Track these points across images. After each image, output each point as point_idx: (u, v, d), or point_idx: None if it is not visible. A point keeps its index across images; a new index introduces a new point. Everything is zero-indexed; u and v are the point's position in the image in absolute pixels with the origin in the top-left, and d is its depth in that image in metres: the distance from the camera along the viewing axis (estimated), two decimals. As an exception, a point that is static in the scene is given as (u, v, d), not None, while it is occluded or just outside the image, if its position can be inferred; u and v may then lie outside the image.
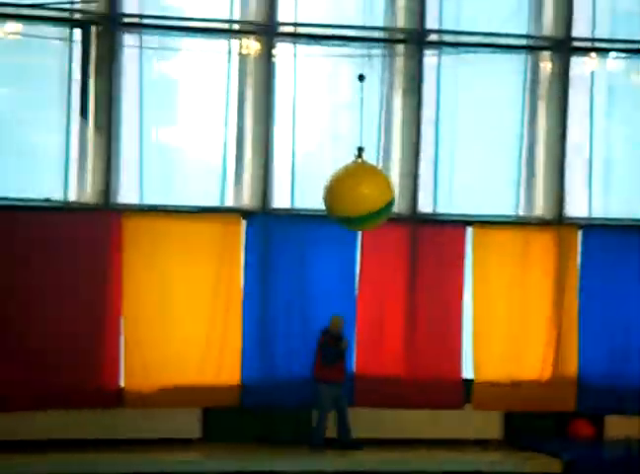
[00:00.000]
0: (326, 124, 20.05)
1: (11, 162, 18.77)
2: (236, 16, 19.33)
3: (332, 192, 16.08)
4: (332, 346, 18.77)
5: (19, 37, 18.53)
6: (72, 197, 18.68)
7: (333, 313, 18.87)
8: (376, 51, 19.65)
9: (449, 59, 20.02)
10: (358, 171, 16.35)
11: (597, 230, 20.30)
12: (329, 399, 18.78)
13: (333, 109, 20.12)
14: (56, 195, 18.61)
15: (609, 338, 20.04)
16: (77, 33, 18.38)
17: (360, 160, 16.37)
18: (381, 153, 19.51)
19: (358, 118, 17.34)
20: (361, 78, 17.40)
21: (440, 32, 19.73)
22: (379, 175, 16.95)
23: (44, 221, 18.46)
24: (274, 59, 19.21)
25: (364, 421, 18.93)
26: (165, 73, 19.92)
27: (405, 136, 19.70)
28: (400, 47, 19.64)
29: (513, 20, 20.12)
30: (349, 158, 16.40)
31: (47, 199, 18.69)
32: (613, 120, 20.78)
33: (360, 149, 16.33)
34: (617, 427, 19.79)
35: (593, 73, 20.53)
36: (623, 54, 20.82)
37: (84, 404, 18.14)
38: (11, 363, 17.96)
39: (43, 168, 18.93)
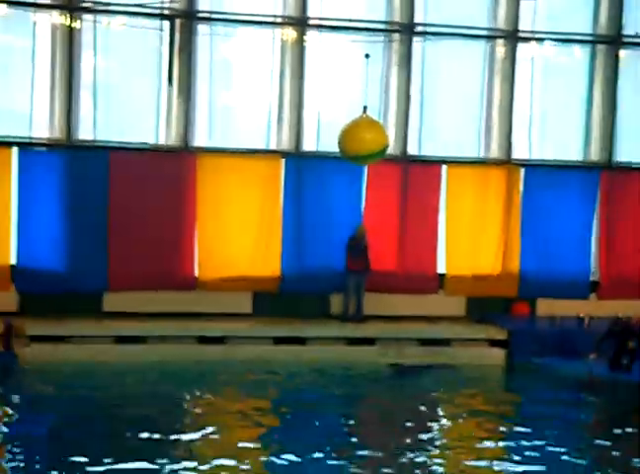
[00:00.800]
0: (342, 90, 20.14)
1: (119, 115, 19.34)
2: (278, 11, 19.82)
3: (343, 137, 17.14)
4: (357, 245, 19.79)
5: (124, 27, 18.94)
6: (161, 141, 19.62)
7: (357, 224, 19.96)
8: (379, 38, 20.21)
9: (432, 44, 20.42)
10: (362, 122, 17.35)
11: (535, 169, 20.92)
12: (354, 284, 19.81)
13: (347, 78, 19.97)
14: (150, 140, 19.58)
15: (542, 245, 20.76)
16: (165, 24, 19.29)
17: (364, 115, 17.26)
18: (382, 110, 20.17)
19: (364, 85, 18.09)
20: (367, 56, 18.30)
21: (424, 24, 20.27)
22: (378, 125, 17.88)
23: (143, 159, 19.35)
24: (305, 44, 19.82)
25: (368, 302, 19.88)
26: (226, 53, 20.17)
27: (399, 98, 20.44)
28: (396, 35, 20.28)
29: (477, 15, 20.51)
30: (357, 114, 17.24)
31: (144, 143, 19.57)
32: (548, 89, 21.06)
33: (365, 107, 17.26)
34: (545, 307, 20.58)
35: (533, 56, 20.90)
36: (554, 43, 20.75)
37: (170, 287, 19.30)
38: (125, 259, 19.06)
39: (141, 120, 19.59)
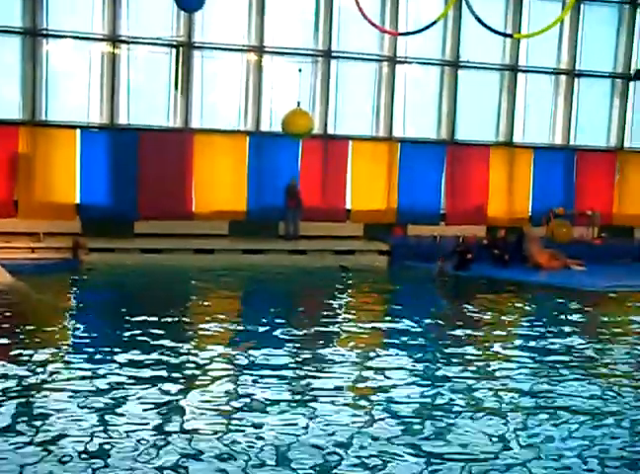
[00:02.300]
0: (285, 91, 19.48)
1: (144, 108, 19.38)
2: (245, 42, 19.74)
3: (285, 121, 17.73)
4: (290, 191, 19.70)
5: (147, 52, 19.22)
6: (171, 124, 19.64)
7: (291, 177, 19.93)
8: (308, 59, 20.19)
9: (343, 63, 20.42)
10: (297, 112, 17.78)
11: (407, 143, 20.79)
12: (291, 216, 19.77)
13: (288, 84, 19.46)
14: (163, 123, 19.59)
15: (411, 191, 20.73)
16: (173, 50, 19.22)
17: (298, 107, 17.77)
18: (310, 104, 19.83)
19: (298, 88, 18.46)
20: (300, 70, 18.64)
21: (338, 51, 20.26)
22: (307, 114, 18.15)
23: (159, 135, 19.44)
24: (262, 62, 19.82)
25: (303, 227, 19.78)
26: (211, 68, 19.79)
27: (322, 97, 20.36)
28: (319, 58, 20.26)
29: (370, 45, 20.49)
30: (294, 107, 17.75)
31: (160, 125, 19.49)
32: (414, 93, 20.99)
33: (299, 102, 17.86)
34: (413, 230, 20.78)
35: (405, 72, 20.80)
36: (417, 64, 20.99)
37: (177, 217, 19.27)
38: (149, 199, 19.06)
39: (158, 111, 19.54)
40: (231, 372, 9.68)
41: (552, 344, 11.58)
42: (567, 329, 12.66)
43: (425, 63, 21.31)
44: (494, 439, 7.65)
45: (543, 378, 9.78)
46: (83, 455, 6.95)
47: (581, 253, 19.69)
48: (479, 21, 13.02)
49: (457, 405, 8.62)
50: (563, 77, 22.35)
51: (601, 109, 22.84)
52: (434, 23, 13.62)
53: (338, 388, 9.04)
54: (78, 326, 11.99)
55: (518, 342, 11.98)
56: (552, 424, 8.12)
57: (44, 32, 18.58)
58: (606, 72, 22.63)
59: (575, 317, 13.78)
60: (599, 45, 22.30)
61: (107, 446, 7.14)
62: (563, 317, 13.62)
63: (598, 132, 22.88)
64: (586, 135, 22.68)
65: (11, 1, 18.46)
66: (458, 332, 12.15)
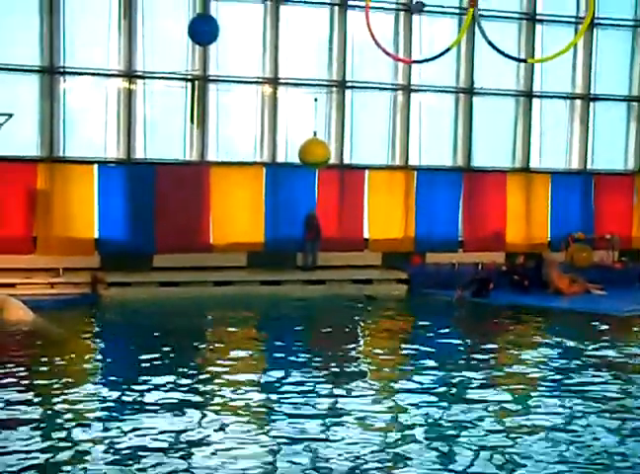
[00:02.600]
0: (300, 122, 19.54)
1: (161, 142, 19.41)
2: (259, 74, 19.84)
3: (301, 151, 17.85)
4: (309, 222, 19.66)
5: (163, 86, 19.31)
6: (187, 157, 19.67)
7: (310, 209, 19.92)
8: (323, 89, 20.17)
9: (357, 92, 20.52)
10: (314, 141, 17.97)
11: (423, 171, 20.80)
12: (310, 247, 19.61)
13: (303, 114, 19.54)
14: (180, 157, 19.60)
15: (428, 219, 20.68)
16: (189, 84, 19.20)
17: (314, 137, 17.95)
18: (325, 134, 19.84)
19: (314, 118, 18.66)
20: (316, 99, 18.97)
21: (352, 81, 20.36)
22: (324, 144, 18.36)
23: (176, 169, 19.45)
24: (277, 94, 19.88)
25: (320, 258, 19.61)
26: (227, 101, 19.80)
27: (337, 126, 20.35)
28: (334, 88, 20.30)
29: (385, 74, 20.60)
30: (310, 136, 17.99)
31: (177, 159, 19.58)
32: (429, 121, 21.08)
33: (315, 132, 18.10)
34: (431, 258, 20.65)
35: (420, 100, 20.84)
36: (432, 93, 21.24)
37: (195, 250, 19.17)
38: (166, 233, 18.97)
39: (174, 145, 19.54)
40: (249, 403, 9.59)
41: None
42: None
43: (439, 91, 21.31)
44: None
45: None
46: None
47: (601, 277, 19.50)
48: (492, 46, 13.01)
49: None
50: (578, 101, 22.28)
51: (618, 132, 22.75)
52: (447, 50, 13.61)
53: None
54: (98, 360, 12.06)
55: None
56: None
57: (62, 69, 18.70)
58: (622, 95, 22.54)
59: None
60: (613, 69, 22.30)
61: None
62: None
63: (615, 156, 22.77)
64: (603, 159, 22.57)
65: (29, 40, 18.57)
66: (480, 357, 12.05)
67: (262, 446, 8.07)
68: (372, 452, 7.94)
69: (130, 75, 19.10)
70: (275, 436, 8.34)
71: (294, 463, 7.62)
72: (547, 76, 21.78)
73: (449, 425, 8.81)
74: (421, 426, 8.80)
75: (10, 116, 16.95)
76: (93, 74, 18.98)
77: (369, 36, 14.85)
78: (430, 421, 8.98)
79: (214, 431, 8.48)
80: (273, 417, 9.16)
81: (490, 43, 13.05)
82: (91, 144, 19.19)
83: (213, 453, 7.83)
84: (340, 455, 7.84)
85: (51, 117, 18.69)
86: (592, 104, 22.29)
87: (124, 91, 19.14)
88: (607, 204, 22.20)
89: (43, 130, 18.78)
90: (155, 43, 19.15)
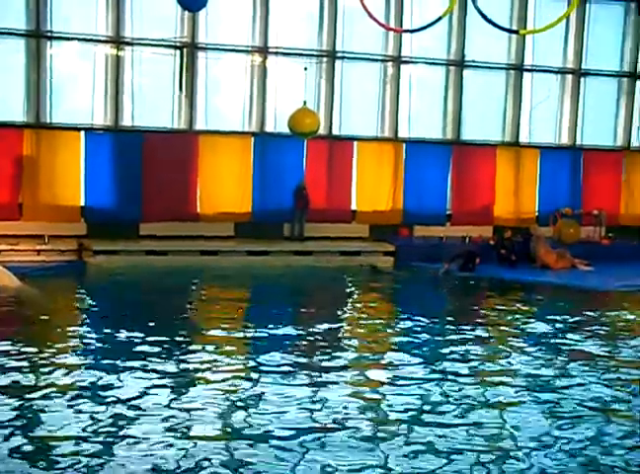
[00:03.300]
0: (289, 91, 19.45)
1: (148, 110, 19.20)
2: (249, 42, 19.69)
3: (291, 121, 17.67)
4: (298, 193, 19.61)
5: (151, 54, 19.08)
6: (175, 126, 19.55)
7: (300, 178, 19.85)
8: (313, 59, 20.04)
9: (347, 63, 20.39)
10: (303, 111, 17.80)
11: (412, 144, 20.69)
12: (297, 217, 19.68)
13: (293, 84, 19.55)
14: (168, 125, 19.47)
15: (416, 192, 20.61)
16: (177, 52, 19.10)
17: (304, 107, 17.82)
18: (315, 104, 19.69)
19: (304, 88, 19.08)
20: (305, 69, 19.15)
21: (342, 51, 20.22)
22: (313, 114, 18.17)
23: (163, 137, 19.27)
24: (266, 63, 19.71)
25: (308, 228, 19.74)
26: (215, 69, 19.75)
27: (327, 97, 20.24)
28: (324, 58, 20.17)
29: (375, 45, 20.52)
30: (299, 106, 17.84)
31: (164, 127, 19.37)
32: (419, 94, 20.93)
33: (305, 102, 18.00)
34: (419, 231, 20.81)
35: (410, 73, 20.76)
36: (423, 64, 20.96)
37: (181, 219, 19.21)
38: (153, 201, 18.94)
39: (162, 113, 19.38)
40: (235, 372, 9.54)
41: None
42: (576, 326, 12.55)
43: (430, 63, 21.19)
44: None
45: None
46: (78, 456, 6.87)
47: (588, 253, 19.51)
48: (484, 17, 12.91)
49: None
50: (569, 76, 22.21)
51: (608, 108, 22.69)
52: (439, 19, 13.47)
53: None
54: (83, 328, 11.96)
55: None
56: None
57: (48, 34, 18.50)
58: (613, 71, 22.49)
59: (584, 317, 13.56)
60: (605, 44, 22.19)
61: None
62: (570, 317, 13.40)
63: (604, 132, 22.73)
64: (592, 135, 22.52)
65: (15, 3, 18.38)
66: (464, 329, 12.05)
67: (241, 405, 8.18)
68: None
69: (118, 41, 18.94)
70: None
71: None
72: (539, 50, 21.68)
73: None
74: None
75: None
76: (80, 40, 18.82)
77: (360, 4, 14.64)
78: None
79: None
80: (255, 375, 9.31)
81: (481, 13, 12.96)
82: (78, 111, 19.05)
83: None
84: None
85: (38, 82, 18.54)
86: (582, 79, 22.22)
87: (112, 57, 19.00)
88: (596, 180, 22.22)
89: (30, 96, 18.62)
90: (144, 10, 18.98)
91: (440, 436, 7.50)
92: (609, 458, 7.18)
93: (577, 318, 13.36)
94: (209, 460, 6.83)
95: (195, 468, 6.70)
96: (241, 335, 11.71)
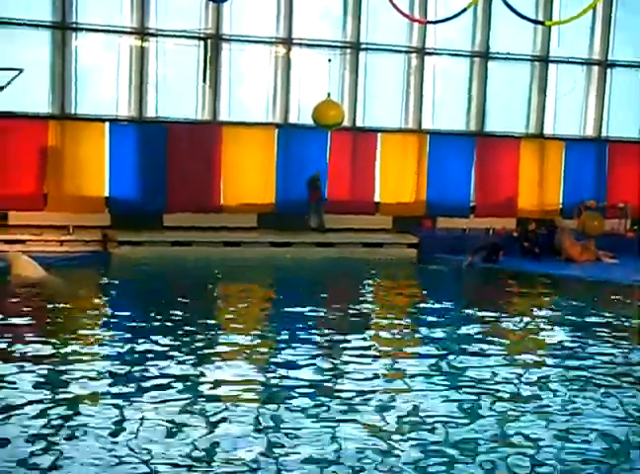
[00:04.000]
0: (313, 83, 19.33)
1: (173, 101, 19.29)
2: (272, 34, 19.76)
3: (315, 113, 17.65)
4: (312, 185, 19.57)
5: (176, 46, 19.18)
6: (199, 117, 19.64)
7: (315, 170, 19.71)
8: (337, 51, 20.00)
9: (371, 55, 20.36)
10: (327, 103, 17.80)
11: (436, 135, 20.67)
12: (314, 209, 19.70)
13: (317, 75, 19.49)
14: (192, 116, 19.58)
15: (440, 183, 20.50)
16: (201, 43, 19.21)
17: (328, 99, 17.80)
18: (339, 96, 19.70)
19: (328, 79, 18.86)
20: (330, 60, 18.98)
21: (367, 43, 20.21)
22: (338, 105, 18.20)
23: (187, 128, 19.36)
24: (290, 54, 19.77)
25: (332, 220, 19.70)
26: (240, 60, 19.79)
27: (350, 88, 20.25)
28: (348, 50, 20.15)
29: (400, 36, 20.68)
30: (324, 98, 17.81)
31: (188, 118, 19.49)
32: (444, 85, 20.93)
33: (329, 94, 17.97)
34: (442, 223, 20.85)
35: (434, 64, 20.78)
36: (447, 56, 21.12)
37: (205, 210, 19.34)
38: (177, 192, 19.10)
39: (186, 104, 19.49)
40: (253, 359, 9.49)
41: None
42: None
43: (454, 55, 21.13)
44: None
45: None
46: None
47: (613, 246, 19.31)
48: (509, 7, 12.81)
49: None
50: (595, 67, 22.01)
51: (634, 99, 22.45)
52: (464, 10, 13.43)
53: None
54: (105, 318, 11.92)
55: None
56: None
57: (74, 25, 18.61)
58: (639, 62, 22.23)
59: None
60: (631, 35, 21.91)
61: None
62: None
63: (630, 124, 22.50)
64: (618, 127, 22.31)
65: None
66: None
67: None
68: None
69: (143, 33, 19.02)
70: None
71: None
72: (564, 41, 21.51)
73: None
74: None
75: (20, 71, 16.86)
76: (105, 31, 18.91)
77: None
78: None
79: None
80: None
81: (507, 4, 12.86)
82: (102, 102, 19.22)
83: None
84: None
85: (63, 73, 18.66)
86: (608, 70, 22.01)
87: (137, 49, 19.10)
88: (621, 173, 22.03)
89: (55, 87, 18.75)
90: (168, 1, 19.11)
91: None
92: None
93: (600, 312, 13.13)
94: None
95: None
96: (263, 328, 11.70)
